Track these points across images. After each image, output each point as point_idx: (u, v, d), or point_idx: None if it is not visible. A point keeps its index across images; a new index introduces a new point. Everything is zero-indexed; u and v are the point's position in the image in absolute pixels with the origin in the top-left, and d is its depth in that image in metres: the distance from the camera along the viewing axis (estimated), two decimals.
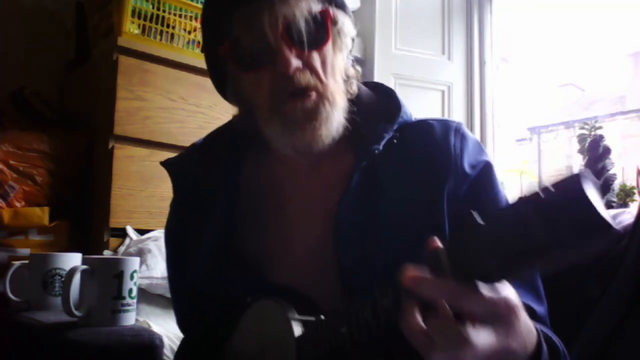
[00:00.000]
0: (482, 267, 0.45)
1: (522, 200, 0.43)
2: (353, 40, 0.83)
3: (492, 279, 0.46)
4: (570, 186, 0.40)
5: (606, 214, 0.38)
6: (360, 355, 0.57)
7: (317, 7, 0.74)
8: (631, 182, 2.24)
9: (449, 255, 0.48)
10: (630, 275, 0.81)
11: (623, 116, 14.14)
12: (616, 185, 2.14)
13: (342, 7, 0.79)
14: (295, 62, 0.72)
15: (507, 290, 0.49)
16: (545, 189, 0.42)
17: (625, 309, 0.80)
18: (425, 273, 0.48)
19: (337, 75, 0.77)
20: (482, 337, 0.46)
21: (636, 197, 2.13)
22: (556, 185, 0.41)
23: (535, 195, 0.42)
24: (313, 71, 0.74)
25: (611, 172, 2.13)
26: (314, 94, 0.73)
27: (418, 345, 0.48)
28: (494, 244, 0.44)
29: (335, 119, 0.75)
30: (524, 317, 0.51)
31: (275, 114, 0.74)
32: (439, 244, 0.49)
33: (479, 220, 0.45)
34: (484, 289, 0.47)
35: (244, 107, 0.83)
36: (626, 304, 0.80)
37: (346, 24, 0.78)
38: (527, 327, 0.52)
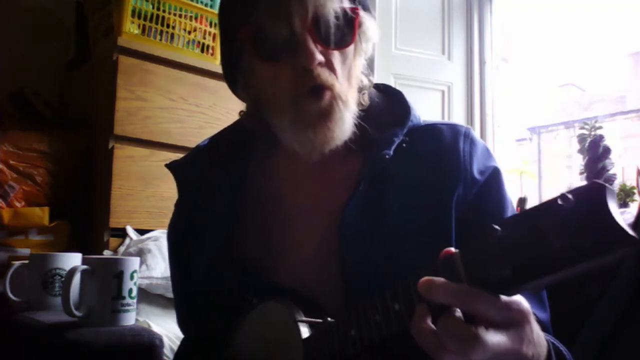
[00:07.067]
0: (497, 274, 0.43)
1: (540, 208, 0.41)
2: (372, 46, 0.80)
3: (506, 287, 0.44)
4: (590, 196, 0.39)
5: (625, 224, 0.37)
6: (370, 358, 0.57)
7: (348, 5, 0.71)
8: (631, 182, 2.23)
9: (464, 260, 0.46)
10: (630, 276, 0.81)
11: (623, 116, 14.12)
12: (616, 185, 2.14)
13: (368, 10, 0.76)
14: (319, 57, 0.68)
15: (519, 297, 0.48)
16: (564, 197, 0.40)
17: (625, 310, 0.80)
18: (440, 279, 0.47)
19: (352, 80, 0.75)
20: (493, 336, 0.45)
21: (636, 197, 2.13)
22: (575, 193, 0.40)
23: (553, 203, 0.40)
24: (332, 70, 0.71)
25: (611, 172, 2.13)
26: (328, 94, 0.70)
27: (427, 346, 0.47)
28: (510, 251, 0.42)
29: (347, 120, 0.72)
30: (536, 326, 0.50)
31: (290, 109, 0.71)
32: (454, 250, 0.48)
33: (496, 227, 0.44)
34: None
35: (253, 102, 0.80)
36: (626, 305, 0.80)
37: (371, 29, 0.76)
38: (539, 337, 0.51)
